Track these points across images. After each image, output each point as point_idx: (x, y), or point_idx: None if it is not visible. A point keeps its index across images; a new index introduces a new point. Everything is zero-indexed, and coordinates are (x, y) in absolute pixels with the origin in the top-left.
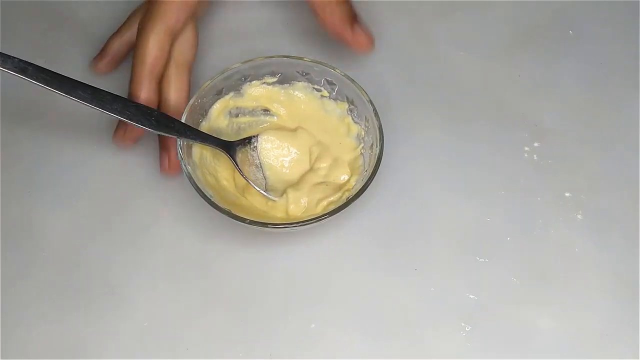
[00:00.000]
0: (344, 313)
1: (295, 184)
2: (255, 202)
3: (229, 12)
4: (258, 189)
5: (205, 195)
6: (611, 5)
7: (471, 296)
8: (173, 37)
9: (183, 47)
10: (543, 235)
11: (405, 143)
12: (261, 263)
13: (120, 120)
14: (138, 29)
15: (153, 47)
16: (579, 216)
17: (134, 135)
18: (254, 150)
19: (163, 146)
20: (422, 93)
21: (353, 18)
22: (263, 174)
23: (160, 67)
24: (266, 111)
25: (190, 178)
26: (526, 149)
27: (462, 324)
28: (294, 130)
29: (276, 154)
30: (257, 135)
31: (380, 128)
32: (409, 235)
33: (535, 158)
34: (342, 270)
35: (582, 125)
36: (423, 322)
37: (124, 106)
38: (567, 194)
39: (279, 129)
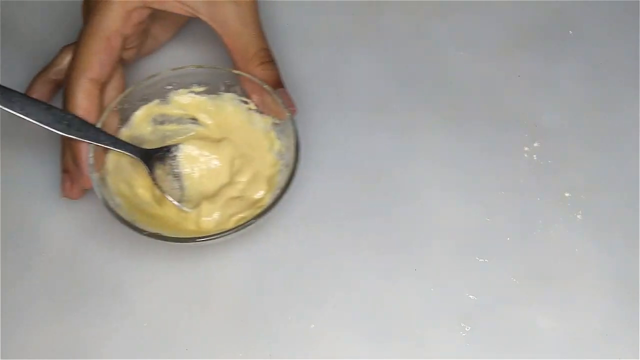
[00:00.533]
0: (344, 313)
1: (211, 197)
2: (170, 213)
3: None
4: (170, 199)
5: (108, 205)
6: (611, 5)
7: (471, 296)
8: (101, 87)
9: (110, 95)
10: (543, 235)
11: (405, 143)
12: (261, 262)
13: (62, 172)
14: (65, 82)
15: (83, 100)
16: (579, 216)
17: (80, 187)
18: (173, 160)
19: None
20: (422, 93)
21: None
22: (181, 184)
23: (95, 119)
24: (194, 120)
25: (96, 186)
26: (526, 149)
27: (462, 324)
28: (218, 140)
29: (197, 164)
30: (177, 144)
31: (297, 146)
32: (408, 235)
33: (535, 158)
34: (342, 270)
35: (582, 125)
36: (423, 322)
37: (36, 108)
38: (567, 194)
39: (203, 138)
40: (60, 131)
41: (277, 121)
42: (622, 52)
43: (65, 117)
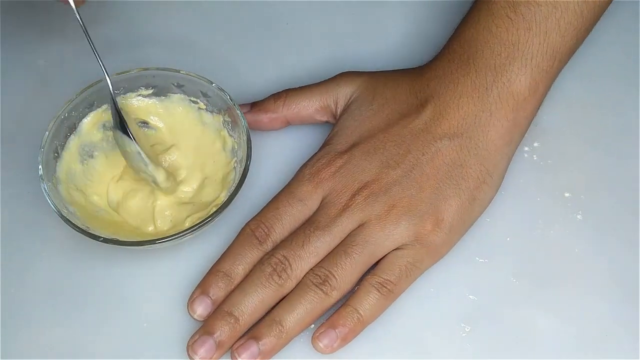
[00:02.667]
0: None
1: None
2: (129, 218)
3: None
4: (158, 168)
5: (61, 213)
6: (611, 5)
7: (471, 296)
8: None
9: None
10: (543, 235)
11: None
12: None
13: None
14: None
15: None
16: (579, 216)
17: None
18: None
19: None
20: None
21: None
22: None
23: None
24: (145, 123)
25: (48, 196)
26: (526, 149)
27: (462, 325)
28: (166, 149)
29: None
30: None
31: (249, 142)
32: None
33: (535, 158)
34: None
35: (582, 125)
36: (423, 322)
37: None
38: (567, 194)
39: (153, 145)
40: None
41: (228, 118)
42: (622, 52)
43: None
